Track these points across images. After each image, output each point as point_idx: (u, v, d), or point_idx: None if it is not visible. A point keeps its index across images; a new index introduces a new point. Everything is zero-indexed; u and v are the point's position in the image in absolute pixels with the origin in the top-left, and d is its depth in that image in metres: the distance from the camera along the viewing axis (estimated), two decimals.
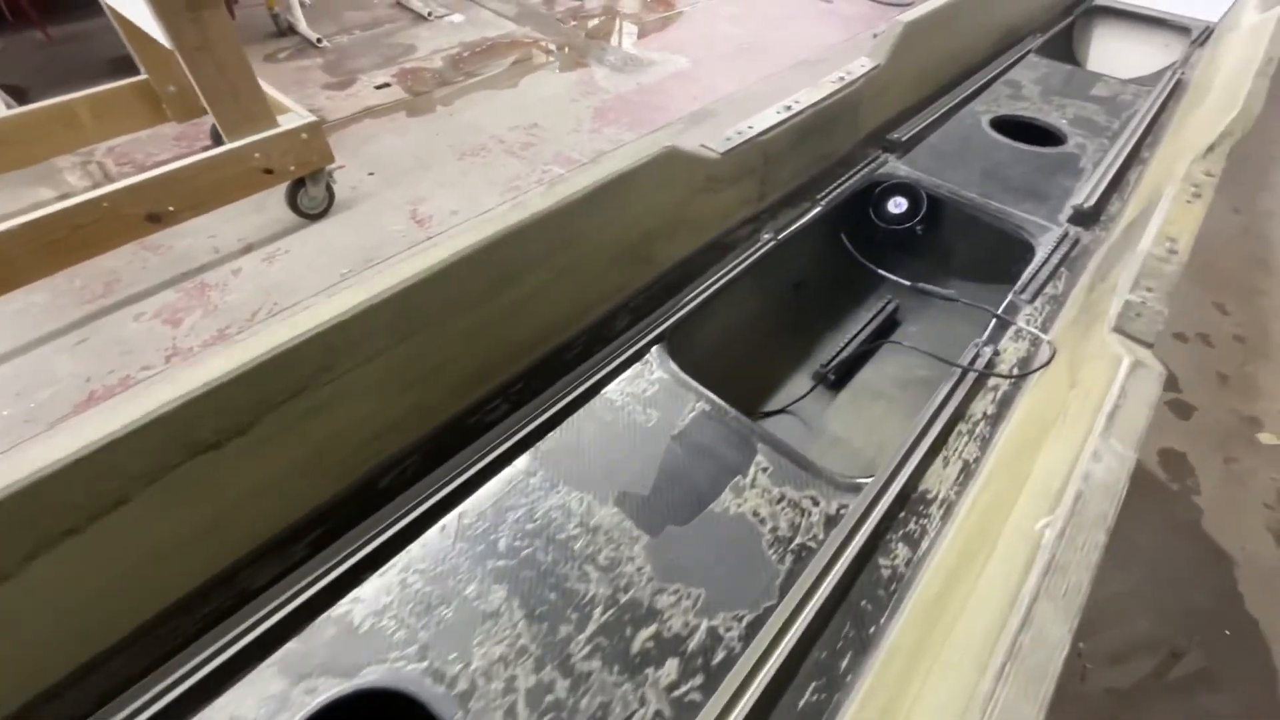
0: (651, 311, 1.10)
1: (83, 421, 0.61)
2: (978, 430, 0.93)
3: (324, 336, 0.71)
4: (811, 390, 1.27)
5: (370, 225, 2.32)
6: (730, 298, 1.18)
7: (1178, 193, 1.05)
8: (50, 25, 3.19)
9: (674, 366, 1.01)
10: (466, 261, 0.82)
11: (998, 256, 1.37)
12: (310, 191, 2.23)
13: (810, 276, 1.44)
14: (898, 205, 1.39)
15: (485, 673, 0.68)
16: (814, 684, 0.69)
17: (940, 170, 1.46)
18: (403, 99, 3.01)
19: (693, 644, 0.71)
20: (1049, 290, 1.17)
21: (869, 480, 0.86)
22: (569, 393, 0.95)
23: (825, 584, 0.74)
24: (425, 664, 0.68)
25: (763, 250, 1.23)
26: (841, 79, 1.38)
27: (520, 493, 0.84)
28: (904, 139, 1.55)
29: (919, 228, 1.39)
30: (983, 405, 0.97)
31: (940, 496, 0.85)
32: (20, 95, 2.66)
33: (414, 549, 0.77)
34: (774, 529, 0.82)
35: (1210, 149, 1.13)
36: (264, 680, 0.66)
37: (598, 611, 0.73)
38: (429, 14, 3.70)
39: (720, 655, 0.70)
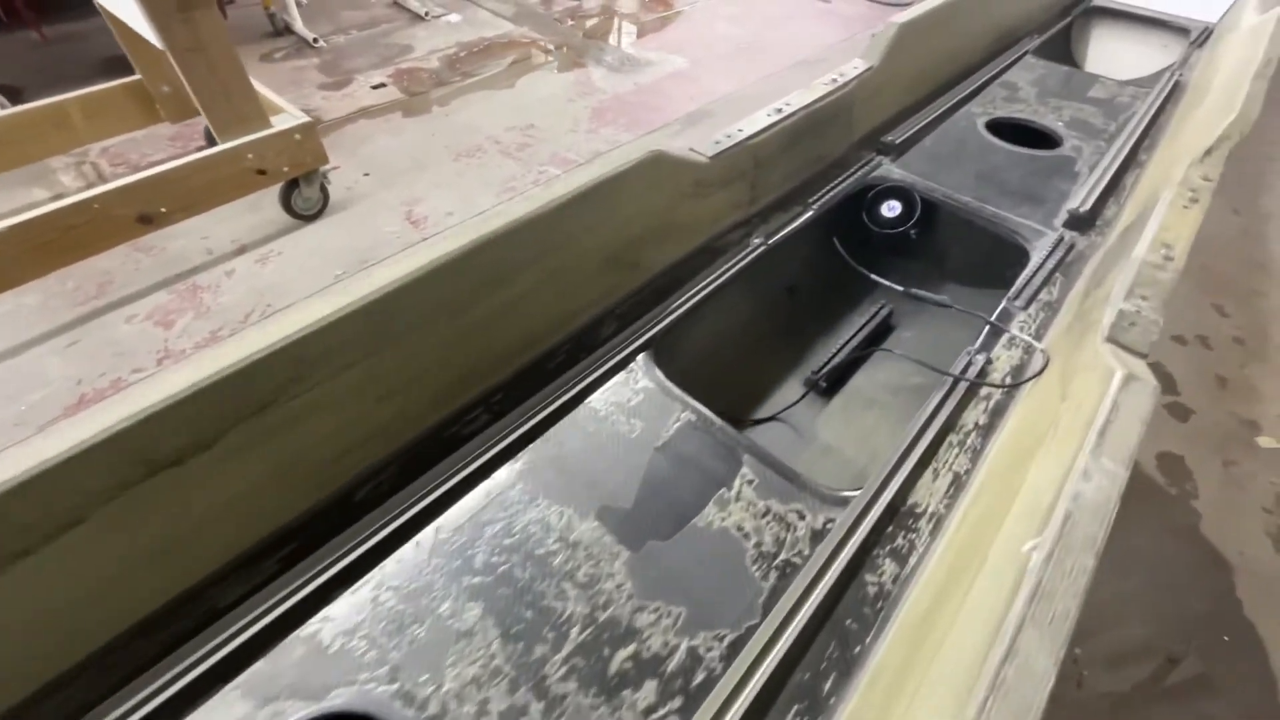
0: (638, 318, 1.08)
1: (37, 440, 0.58)
2: (969, 441, 0.91)
3: (293, 348, 0.69)
4: (803, 397, 1.25)
5: (365, 226, 2.31)
6: (720, 304, 1.16)
7: (1174, 197, 1.03)
8: (45, 25, 3.18)
9: (660, 375, 0.99)
10: (444, 269, 0.80)
11: (992, 261, 1.35)
12: (304, 192, 2.22)
13: (802, 281, 1.42)
14: (891, 209, 1.38)
15: (457, 695, 0.66)
16: (796, 707, 0.67)
17: (935, 173, 1.44)
18: (399, 99, 3.00)
19: (672, 665, 0.69)
20: (1043, 296, 1.15)
21: (857, 493, 0.84)
22: (552, 402, 0.93)
23: (810, 602, 0.72)
24: (395, 686, 0.66)
25: (753, 255, 1.21)
26: (834, 80, 1.36)
27: (499, 506, 0.82)
28: (898, 141, 1.53)
29: (913, 231, 1.38)
30: (974, 415, 0.95)
31: (929, 510, 0.83)
32: (15, 95, 2.66)
33: (388, 565, 0.75)
34: (758, 544, 0.80)
35: (1208, 153, 1.11)
36: (228, 704, 0.64)
37: (575, 631, 0.71)
38: (426, 14, 3.69)
39: (700, 677, 0.68)
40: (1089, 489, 0.62)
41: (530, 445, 0.89)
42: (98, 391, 1.74)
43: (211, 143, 1.98)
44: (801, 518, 0.83)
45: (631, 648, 0.70)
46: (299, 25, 3.34)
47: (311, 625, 0.70)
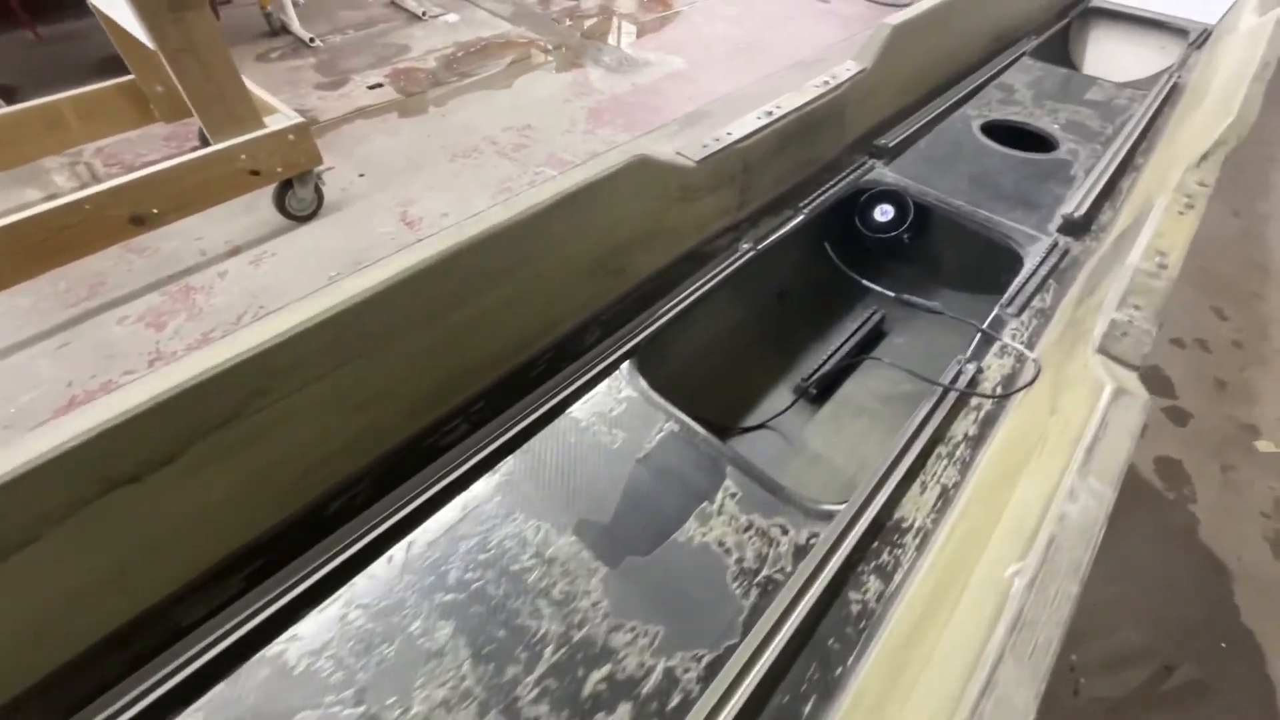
0: (623, 326, 1.06)
1: None
2: (958, 453, 0.89)
3: (257, 360, 0.67)
4: (792, 405, 1.23)
5: (360, 227, 2.30)
6: (707, 310, 1.14)
7: (1169, 203, 1.01)
8: (41, 25, 3.17)
9: (643, 384, 0.97)
10: (418, 279, 0.78)
11: (986, 266, 1.34)
12: (298, 193, 2.21)
13: (793, 287, 1.41)
14: (884, 213, 1.36)
15: (425, 718, 0.64)
16: None
17: (928, 177, 1.43)
18: (395, 99, 2.99)
19: (647, 687, 0.67)
20: (1036, 303, 1.13)
21: (842, 507, 0.82)
22: (532, 412, 0.91)
23: (791, 620, 0.70)
24: (362, 709, 0.64)
25: (742, 260, 1.19)
26: (826, 83, 1.35)
27: (475, 520, 0.80)
28: (891, 145, 1.51)
29: (906, 236, 1.36)
30: (964, 426, 0.93)
31: (916, 525, 0.81)
32: (10, 95, 2.65)
33: (359, 581, 0.73)
34: (740, 560, 0.78)
35: (1204, 157, 1.09)
36: None
37: (548, 651, 0.69)
38: (424, 14, 3.68)
39: (676, 699, 0.66)
40: (1075, 510, 0.61)
41: (509, 457, 0.87)
42: (88, 394, 1.73)
43: (206, 143, 1.97)
44: (785, 532, 0.81)
45: (606, 669, 0.68)
46: (295, 25, 3.33)
47: (277, 645, 0.68)
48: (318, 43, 3.32)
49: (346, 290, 0.74)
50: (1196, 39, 2.05)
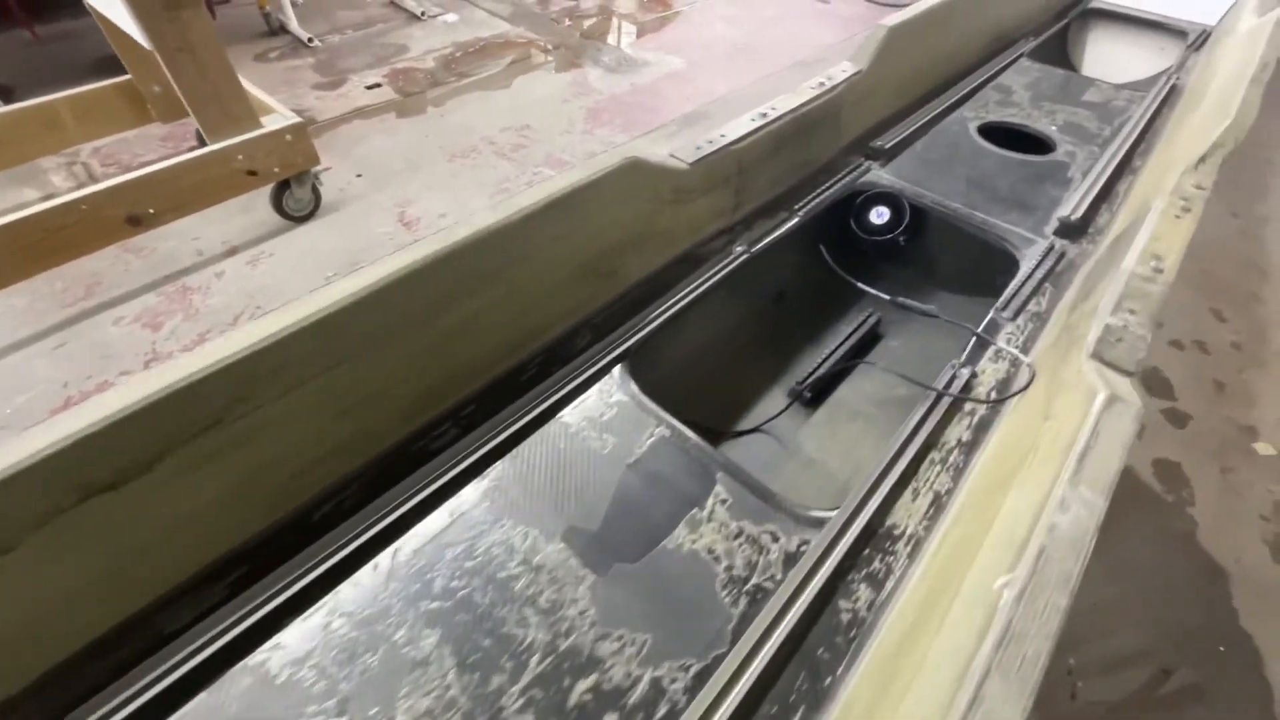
0: (615, 329, 1.05)
1: None
2: (951, 459, 0.88)
3: (238, 366, 0.66)
4: (786, 409, 1.22)
5: (357, 228, 2.30)
6: (701, 313, 1.13)
7: (1166, 207, 1.00)
8: (38, 24, 3.17)
9: (634, 388, 0.96)
10: (406, 282, 0.77)
11: (982, 269, 1.33)
12: (295, 193, 2.20)
13: (789, 289, 1.40)
14: (880, 215, 1.35)
15: None
16: None
17: (925, 179, 1.42)
18: (393, 99, 2.99)
19: (634, 697, 0.66)
20: (1032, 307, 1.13)
21: (833, 513, 0.81)
22: (522, 417, 0.90)
23: (780, 629, 0.69)
24: (344, 719, 0.64)
25: (736, 263, 1.18)
26: (821, 84, 1.34)
27: (462, 526, 0.79)
28: (887, 146, 1.50)
29: (902, 239, 1.36)
30: (958, 431, 0.92)
31: (908, 532, 0.80)
32: (7, 95, 2.64)
33: (344, 589, 0.72)
34: (729, 567, 0.77)
35: (1201, 160, 1.08)
36: None
37: (534, 660, 0.68)
38: (422, 13, 3.67)
39: (663, 710, 0.66)
40: (1065, 521, 0.60)
41: (499, 462, 0.86)
42: (84, 394, 1.72)
43: (203, 143, 1.96)
44: (775, 540, 0.80)
45: (592, 678, 0.67)
46: (294, 25, 3.32)
47: (260, 654, 0.67)
48: (316, 43, 3.32)
49: (332, 295, 0.73)
50: (1195, 40, 2.04)
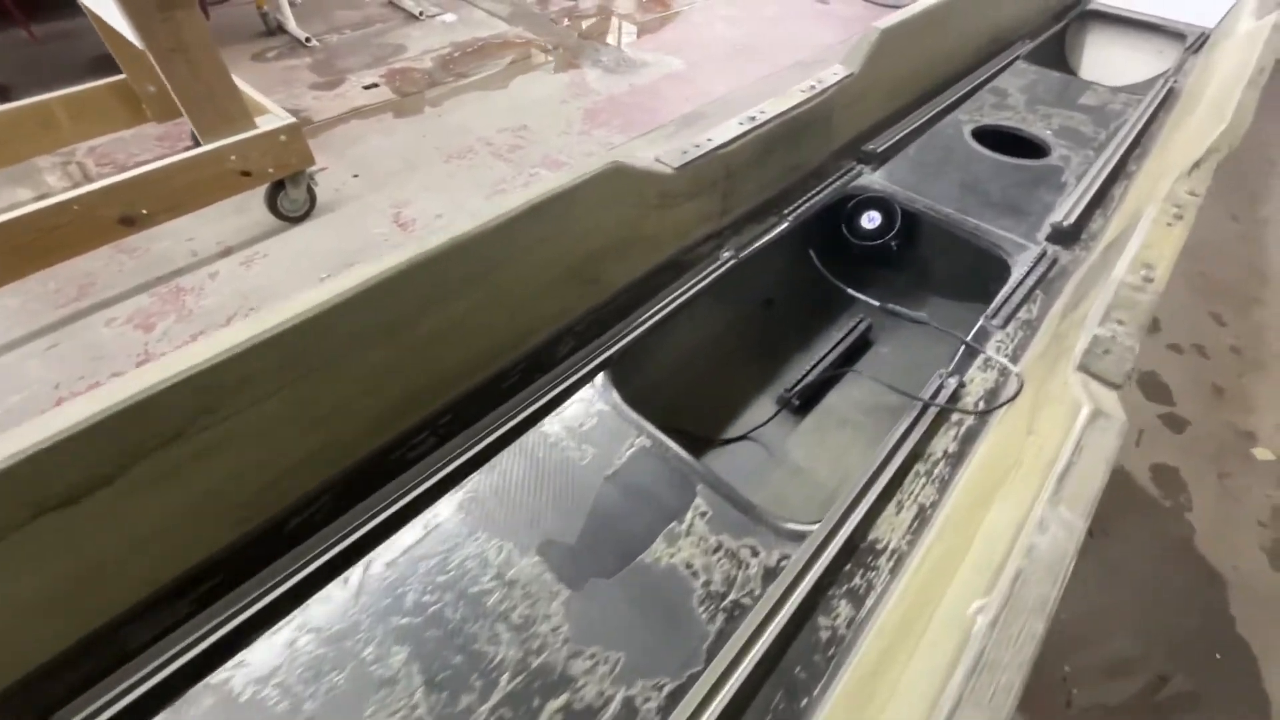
0: (597, 336, 1.03)
1: None
2: (936, 471, 0.86)
3: (202, 377, 0.65)
4: (774, 416, 1.21)
5: (352, 228, 2.29)
6: (688, 319, 1.12)
7: (1158, 214, 0.99)
8: (35, 23, 3.16)
9: (616, 397, 0.94)
10: (378, 290, 0.76)
11: (975, 275, 1.32)
12: (290, 194, 2.19)
13: (779, 295, 1.38)
14: (871, 220, 1.34)
15: None
16: None
17: (917, 183, 1.41)
18: (390, 100, 2.98)
19: (606, 717, 0.65)
20: (1022, 315, 1.11)
21: (814, 527, 0.79)
22: (500, 426, 0.89)
23: (757, 647, 0.67)
24: None
25: (723, 269, 1.17)
26: (812, 87, 1.32)
27: (436, 539, 0.77)
28: (880, 150, 1.49)
29: (894, 244, 1.34)
30: (944, 443, 0.90)
31: (891, 547, 0.78)
32: (4, 94, 2.64)
33: (312, 604, 0.71)
34: (707, 583, 0.75)
35: (1195, 166, 1.07)
36: None
37: (504, 678, 0.67)
38: (421, 13, 3.67)
39: None
40: (1044, 542, 0.58)
41: (475, 473, 0.84)
42: (75, 395, 1.71)
43: (198, 143, 1.95)
44: (755, 554, 0.78)
45: (564, 698, 0.66)
46: (292, 24, 3.32)
47: (224, 671, 0.66)
48: (314, 42, 3.31)
49: (297, 306, 0.71)
50: (1194, 43, 2.03)
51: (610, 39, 3.68)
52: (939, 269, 1.42)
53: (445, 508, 0.81)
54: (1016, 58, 1.94)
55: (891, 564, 0.77)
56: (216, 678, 0.66)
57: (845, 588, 0.75)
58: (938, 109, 1.68)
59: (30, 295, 1.95)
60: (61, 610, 0.65)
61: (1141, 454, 1.76)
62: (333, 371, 0.77)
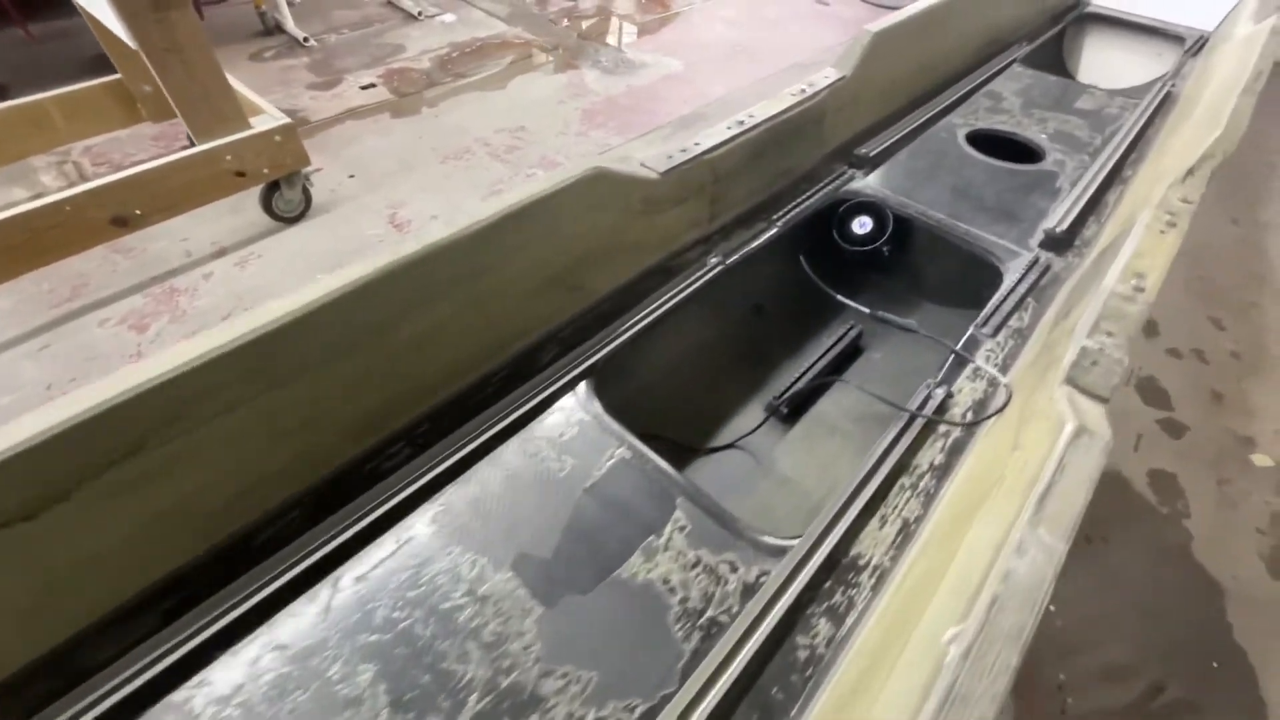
0: (580, 344, 1.01)
1: None
2: (922, 484, 0.85)
3: (163, 389, 0.63)
4: (762, 424, 1.19)
5: (348, 229, 2.28)
6: (674, 326, 1.10)
7: (1151, 221, 0.97)
8: (32, 23, 3.16)
9: (598, 407, 0.92)
10: (349, 299, 0.74)
11: (967, 281, 1.30)
12: (285, 194, 2.19)
13: (768, 301, 1.37)
14: (863, 225, 1.32)
15: None
16: None
17: (910, 188, 1.39)
18: (388, 100, 2.97)
19: None
20: (1013, 323, 1.09)
21: (795, 542, 0.77)
22: (478, 436, 0.87)
23: (733, 666, 0.66)
24: None
25: (710, 275, 1.15)
26: (803, 91, 1.30)
27: (408, 553, 0.75)
28: (872, 154, 1.47)
29: (885, 249, 1.32)
30: (930, 455, 0.88)
31: (873, 563, 0.76)
32: (1, 93, 2.63)
33: (279, 620, 0.69)
34: (684, 599, 0.74)
35: (1189, 173, 1.05)
36: None
37: (473, 699, 0.65)
38: (419, 13, 3.66)
39: None
40: (1022, 566, 0.57)
41: (450, 485, 0.82)
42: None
43: (194, 144, 1.95)
44: (734, 570, 0.77)
45: (533, 719, 0.64)
46: (290, 24, 3.31)
47: (184, 691, 0.64)
48: (312, 42, 3.31)
49: (264, 316, 0.70)
50: (1193, 46, 2.01)
51: (609, 40, 3.67)
52: (931, 275, 1.40)
53: (419, 521, 0.79)
54: (1013, 61, 1.92)
55: (874, 581, 0.75)
56: (177, 697, 0.64)
57: (825, 605, 0.73)
58: (932, 113, 1.66)
59: (23, 296, 1.94)
60: (16, 628, 0.63)
61: (1140, 459, 1.75)
62: (302, 382, 0.75)
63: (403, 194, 2.44)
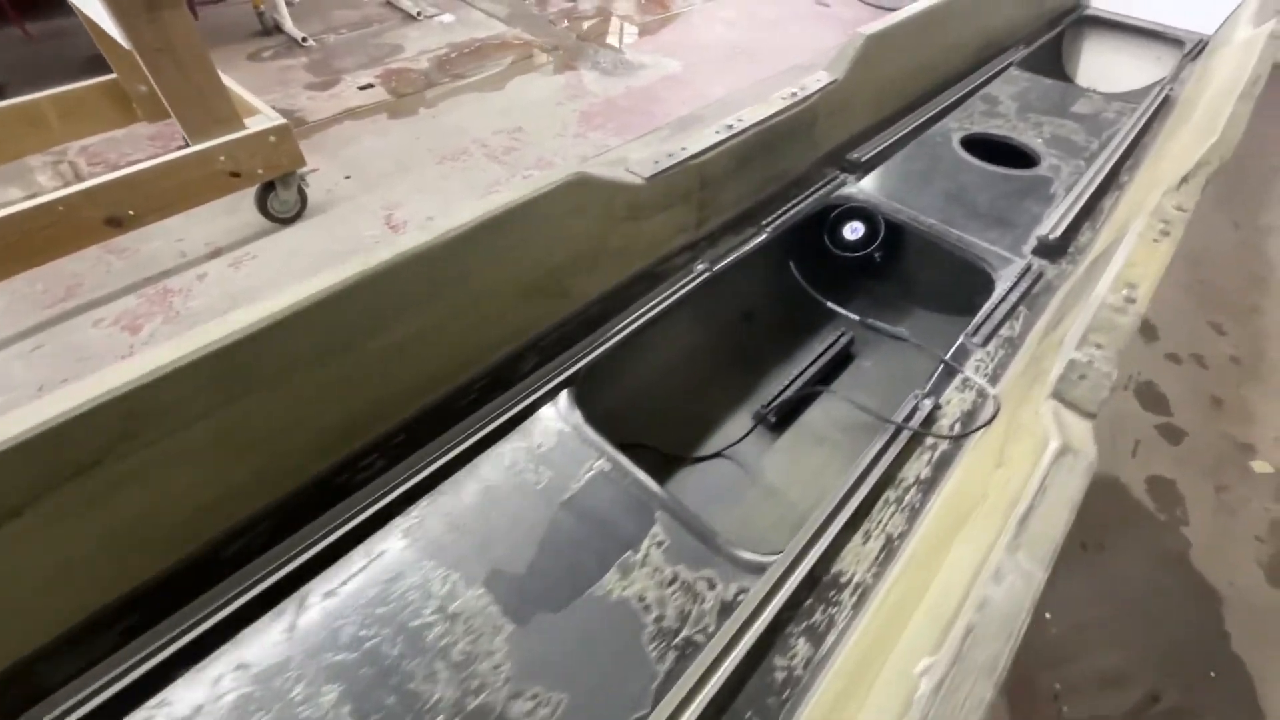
0: (562, 352, 1.00)
1: None
2: (907, 499, 0.83)
3: (119, 403, 0.61)
4: (750, 433, 1.17)
5: (344, 230, 2.27)
6: (660, 333, 1.08)
7: (1144, 230, 0.95)
8: (30, 22, 3.16)
9: (579, 417, 0.91)
10: (319, 309, 0.72)
11: (960, 288, 1.28)
12: (280, 195, 2.18)
13: (758, 308, 1.35)
14: (854, 231, 1.31)
15: None
16: None
17: (903, 193, 1.37)
18: (385, 100, 2.96)
19: None
20: (1004, 332, 1.07)
21: (775, 558, 0.76)
22: (455, 447, 0.85)
23: (708, 688, 0.64)
24: None
25: (697, 281, 1.13)
26: (794, 95, 1.29)
27: (378, 568, 0.74)
28: (864, 159, 1.46)
29: (877, 255, 1.31)
30: (917, 468, 0.86)
31: (855, 580, 0.74)
32: (0, 93, 2.63)
33: (244, 638, 0.67)
34: (659, 618, 0.72)
35: (1184, 180, 1.03)
36: None
37: None
38: (419, 14, 3.65)
39: None
40: (999, 595, 0.54)
41: (424, 497, 0.81)
42: None
43: (189, 144, 1.94)
44: (711, 587, 0.75)
45: None
46: (288, 24, 3.30)
47: (144, 711, 0.62)
48: (310, 42, 3.30)
49: (227, 326, 0.68)
50: (1192, 50, 1.99)
51: (609, 40, 3.66)
52: (923, 281, 1.39)
53: (391, 535, 0.77)
54: (1010, 64, 1.91)
55: (855, 599, 0.73)
56: (137, 717, 0.62)
57: (805, 624, 0.71)
58: (926, 116, 1.65)
59: (16, 296, 1.94)
60: None
61: (1138, 465, 1.73)
62: (270, 394, 0.73)
63: (399, 195, 2.43)
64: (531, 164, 2.62)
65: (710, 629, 0.71)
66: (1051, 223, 1.28)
